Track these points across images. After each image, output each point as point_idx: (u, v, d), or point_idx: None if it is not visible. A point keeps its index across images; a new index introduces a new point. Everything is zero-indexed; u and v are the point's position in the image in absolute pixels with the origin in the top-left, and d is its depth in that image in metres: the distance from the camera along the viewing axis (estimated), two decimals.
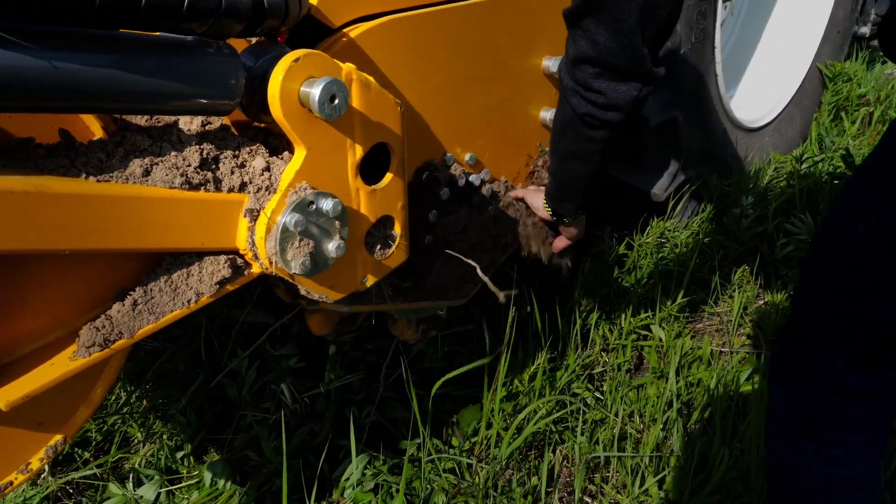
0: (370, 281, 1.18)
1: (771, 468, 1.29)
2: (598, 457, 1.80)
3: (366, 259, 1.16)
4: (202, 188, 0.95)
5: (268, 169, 1.01)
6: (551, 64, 1.62)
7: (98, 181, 0.86)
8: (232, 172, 0.98)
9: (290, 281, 1.04)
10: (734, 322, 2.26)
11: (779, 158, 2.88)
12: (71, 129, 0.93)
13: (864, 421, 1.13)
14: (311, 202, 1.00)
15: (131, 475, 1.79)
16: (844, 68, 3.27)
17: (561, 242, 1.74)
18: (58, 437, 1.00)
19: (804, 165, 2.81)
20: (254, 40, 1.06)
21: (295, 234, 0.98)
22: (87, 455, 1.89)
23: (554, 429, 1.87)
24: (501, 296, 1.35)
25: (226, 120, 1.08)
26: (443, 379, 1.57)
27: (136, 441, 1.94)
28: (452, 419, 1.96)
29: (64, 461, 1.87)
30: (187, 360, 2.10)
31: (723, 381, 1.93)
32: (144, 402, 2.03)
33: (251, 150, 1.02)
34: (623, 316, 2.18)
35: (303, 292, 1.10)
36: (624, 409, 1.90)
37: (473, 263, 1.41)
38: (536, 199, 1.63)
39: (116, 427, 1.95)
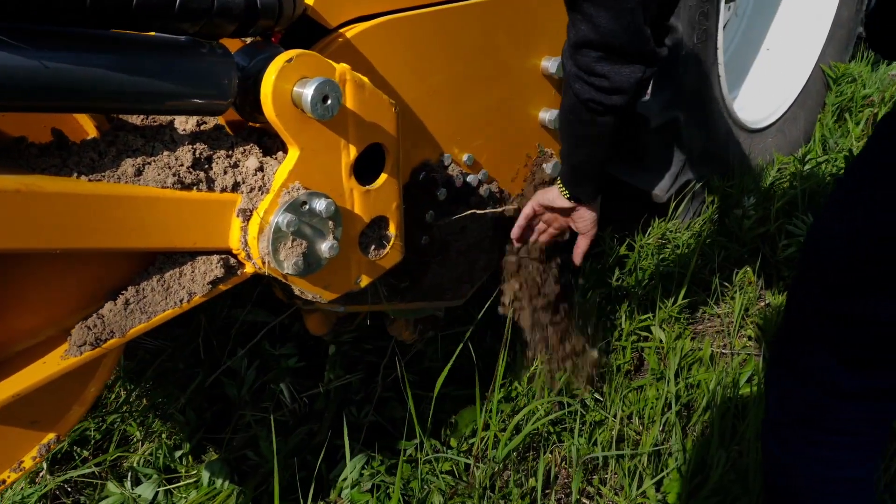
0: (364, 281, 1.18)
1: (766, 469, 1.28)
2: (597, 458, 1.79)
3: (360, 259, 1.16)
4: (194, 188, 0.95)
5: (261, 169, 1.01)
6: (550, 65, 1.61)
7: (90, 180, 0.86)
8: (225, 172, 0.99)
9: (284, 281, 1.04)
10: (735, 324, 2.25)
11: (782, 159, 2.87)
12: (64, 129, 0.93)
13: (858, 422, 1.13)
14: (304, 202, 1.00)
15: (129, 474, 1.79)
16: (849, 69, 3.25)
17: (580, 247, 1.67)
18: (51, 436, 1.00)
19: (807, 166, 2.80)
20: (249, 40, 1.06)
21: (287, 234, 0.98)
22: (85, 453, 1.90)
23: (552, 430, 1.87)
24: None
25: (220, 120, 1.08)
26: (440, 379, 1.56)
27: (134, 440, 1.95)
28: (451, 419, 1.95)
29: (62, 459, 1.88)
30: (187, 359, 2.11)
31: (723, 382, 1.92)
32: (144, 400, 2.03)
33: (245, 150, 1.02)
34: (623, 317, 2.18)
35: (297, 292, 1.10)
36: (623, 411, 1.89)
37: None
38: (549, 192, 1.58)
39: (115, 426, 1.96)
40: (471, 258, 1.64)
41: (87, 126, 1.01)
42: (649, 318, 2.19)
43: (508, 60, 1.54)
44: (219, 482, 1.76)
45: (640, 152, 2.30)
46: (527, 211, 1.63)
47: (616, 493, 1.74)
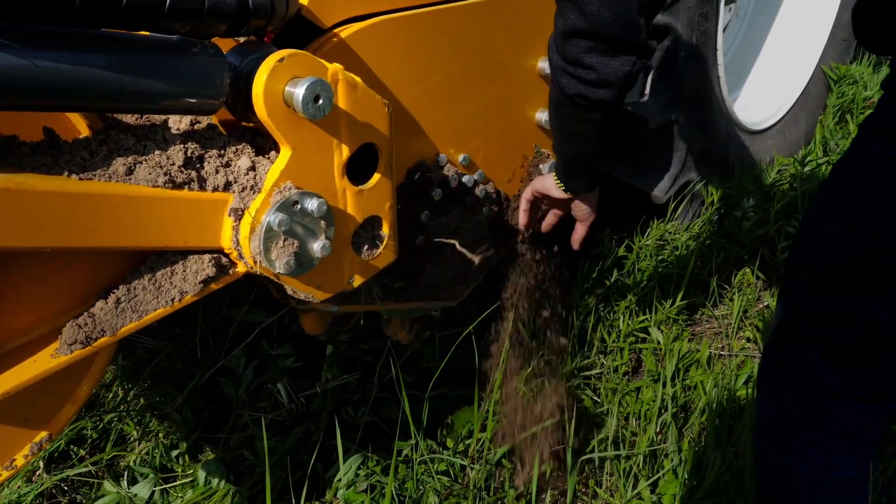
0: (357, 281, 1.18)
1: (760, 468, 1.28)
2: (592, 459, 1.79)
3: (353, 259, 1.16)
4: (186, 187, 0.95)
5: (253, 168, 1.02)
6: (547, 65, 1.61)
7: (81, 179, 0.86)
8: (217, 171, 0.99)
9: (276, 280, 1.04)
10: (734, 325, 2.25)
11: (782, 161, 2.86)
12: (56, 128, 0.93)
13: (852, 423, 1.12)
14: (296, 202, 1.00)
15: (126, 473, 1.79)
16: (850, 71, 3.24)
17: (578, 233, 1.65)
18: (43, 434, 1.00)
19: (807, 168, 2.79)
20: (242, 40, 1.06)
21: (279, 233, 0.99)
22: (82, 452, 1.90)
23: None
24: None
25: (213, 119, 1.08)
26: (434, 379, 1.56)
27: (131, 439, 1.95)
28: (448, 420, 1.95)
29: (59, 458, 1.88)
30: (184, 358, 2.11)
31: (720, 384, 1.92)
32: (141, 400, 2.04)
33: (237, 150, 1.02)
34: (621, 318, 2.17)
35: (289, 291, 1.10)
36: (620, 412, 1.89)
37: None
38: (546, 180, 1.57)
39: (112, 425, 1.96)
40: (466, 258, 1.64)
41: (79, 125, 1.02)
42: (647, 319, 2.18)
43: (505, 61, 1.54)
44: (215, 482, 1.76)
45: (640, 153, 2.30)
46: (526, 195, 1.63)
47: (611, 495, 1.74)
